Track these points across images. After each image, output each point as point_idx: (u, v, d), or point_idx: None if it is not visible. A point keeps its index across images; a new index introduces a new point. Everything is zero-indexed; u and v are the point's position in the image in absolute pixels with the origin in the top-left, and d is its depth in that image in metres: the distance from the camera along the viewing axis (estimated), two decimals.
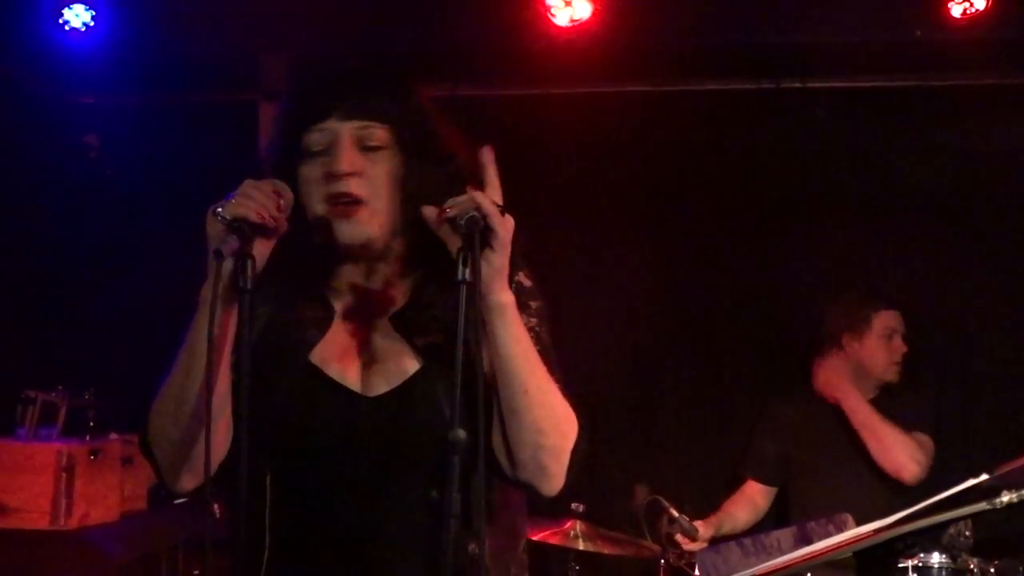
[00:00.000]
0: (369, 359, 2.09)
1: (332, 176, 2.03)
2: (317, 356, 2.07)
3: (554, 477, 2.07)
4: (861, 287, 5.00)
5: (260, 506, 2.03)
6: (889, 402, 4.75)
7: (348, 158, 2.03)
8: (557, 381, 2.09)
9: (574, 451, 2.10)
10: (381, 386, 2.06)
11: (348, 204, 2.03)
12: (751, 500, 4.91)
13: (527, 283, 2.18)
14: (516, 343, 2.00)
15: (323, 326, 2.10)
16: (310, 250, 2.06)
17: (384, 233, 2.08)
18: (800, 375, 4.98)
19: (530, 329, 2.09)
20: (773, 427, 4.96)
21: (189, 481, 2.02)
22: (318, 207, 2.05)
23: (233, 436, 1.98)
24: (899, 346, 4.81)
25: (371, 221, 2.05)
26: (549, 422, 2.04)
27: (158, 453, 2.02)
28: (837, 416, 4.83)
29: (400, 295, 2.14)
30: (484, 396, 1.86)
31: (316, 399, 2.04)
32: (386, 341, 2.10)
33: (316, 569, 2.03)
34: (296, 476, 2.04)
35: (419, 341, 2.09)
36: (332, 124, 2.05)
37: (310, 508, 2.03)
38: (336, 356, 2.08)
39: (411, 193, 2.06)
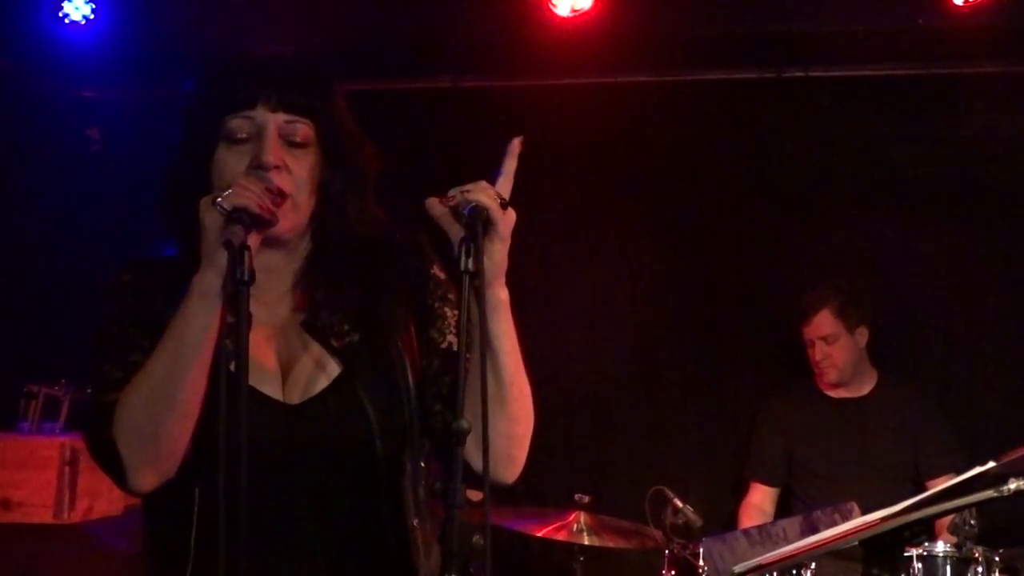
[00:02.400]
0: (287, 365, 2.05)
1: (259, 167, 1.98)
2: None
3: (518, 465, 2.09)
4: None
5: (187, 519, 1.97)
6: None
7: (276, 151, 2.00)
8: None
9: (531, 439, 2.11)
10: (302, 393, 2.03)
11: (273, 197, 1.97)
12: (759, 508, 4.91)
13: (442, 276, 2.16)
14: (509, 339, 2.00)
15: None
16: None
17: (298, 231, 2.06)
18: (801, 369, 4.98)
19: (457, 321, 2.08)
20: (775, 425, 4.95)
21: (151, 480, 1.96)
22: None
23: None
24: (814, 354, 4.85)
25: (290, 216, 2.01)
26: (523, 412, 2.06)
27: (125, 450, 1.93)
28: (838, 411, 4.83)
29: (307, 298, 2.10)
30: (483, 385, 1.84)
31: (231, 408, 1.94)
32: (302, 348, 2.06)
33: None
34: (223, 490, 1.93)
35: (335, 343, 2.06)
36: (259, 114, 2.01)
37: (236, 519, 1.93)
38: (256, 365, 1.98)
39: (325, 194, 2.05)
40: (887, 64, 5.17)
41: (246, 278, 1.84)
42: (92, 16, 5.03)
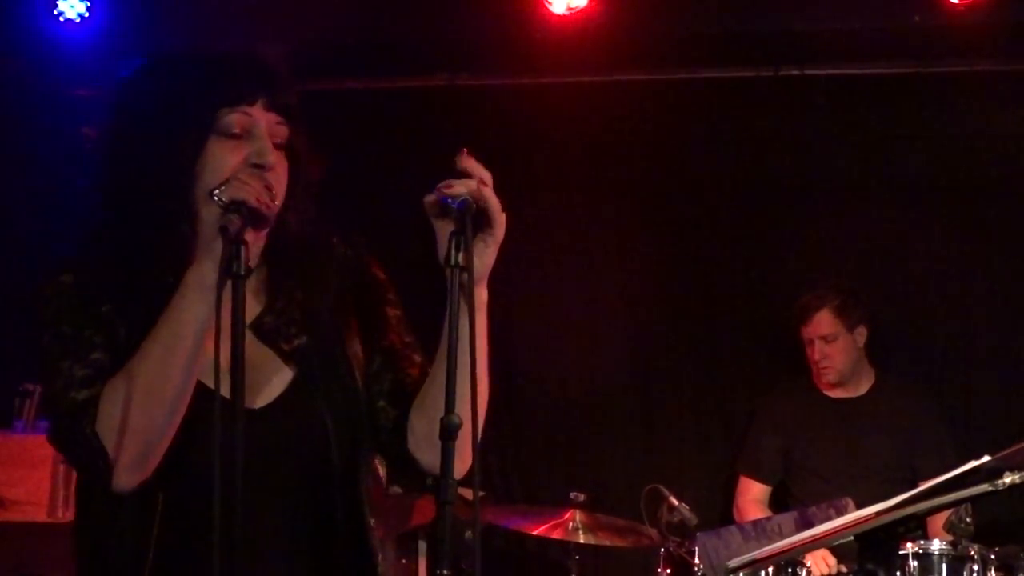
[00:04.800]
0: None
1: (261, 166, 1.96)
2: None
3: (467, 462, 2.00)
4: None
5: (148, 525, 1.94)
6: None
7: (272, 151, 1.99)
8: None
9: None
10: (259, 398, 2.01)
11: (271, 194, 1.94)
12: (754, 505, 4.90)
13: (381, 275, 2.17)
14: (482, 340, 1.97)
15: None
16: (173, 250, 1.97)
17: (270, 231, 2.03)
18: (799, 368, 4.97)
19: (397, 320, 2.11)
20: (772, 423, 4.95)
21: (136, 478, 1.91)
22: None
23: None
24: (812, 354, 4.84)
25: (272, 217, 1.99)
26: (480, 410, 1.98)
27: (112, 447, 1.88)
28: (836, 410, 4.83)
29: (256, 301, 2.06)
30: (473, 383, 1.83)
31: (196, 413, 1.93)
32: (255, 350, 2.00)
33: None
34: (183, 493, 1.95)
35: (285, 347, 2.04)
36: (254, 111, 2.00)
37: (195, 524, 1.92)
38: (209, 368, 1.87)
39: (287, 197, 2.02)
40: (883, 62, 5.17)
41: (242, 272, 1.83)
42: (87, 14, 5.03)
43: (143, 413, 1.88)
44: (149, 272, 1.98)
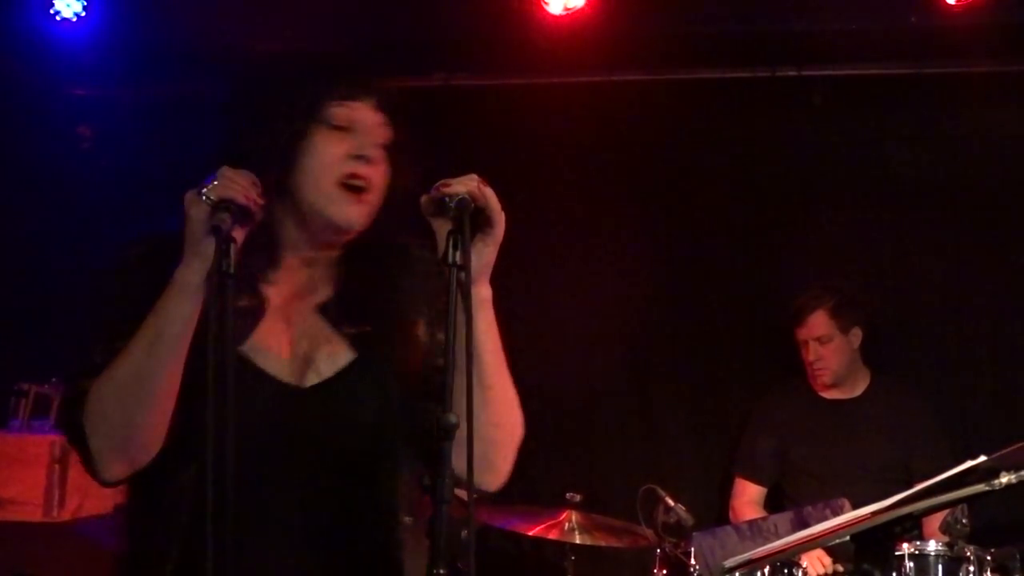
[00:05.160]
0: (302, 350, 2.07)
1: (359, 158, 2.05)
2: (248, 346, 2.03)
3: (499, 473, 2.08)
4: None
5: (176, 505, 1.97)
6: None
7: (376, 147, 2.07)
8: (511, 378, 2.11)
9: (520, 448, 2.11)
10: (313, 377, 2.05)
11: (363, 190, 2.05)
12: (750, 506, 4.90)
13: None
14: (489, 338, 2.02)
15: (255, 316, 2.06)
16: (259, 235, 2.02)
17: (365, 226, 2.10)
18: (794, 370, 4.97)
19: (444, 316, 2.09)
20: (768, 425, 4.94)
21: (120, 470, 1.97)
22: (328, 179, 2.05)
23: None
24: (807, 355, 4.84)
25: (368, 212, 2.07)
26: (504, 417, 2.06)
27: (93, 438, 1.94)
28: (831, 412, 4.83)
29: (328, 287, 2.13)
30: (468, 383, 1.85)
31: (245, 389, 1.95)
32: (317, 333, 2.08)
33: (243, 561, 1.92)
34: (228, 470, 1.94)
35: (348, 330, 2.09)
36: (362, 108, 2.09)
37: (240, 500, 1.91)
38: (268, 346, 2.04)
39: (381, 199, 2.10)
40: (880, 63, 5.17)
41: (232, 270, 1.84)
42: (84, 13, 5.03)
43: (120, 407, 1.93)
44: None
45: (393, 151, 2.11)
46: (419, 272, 2.15)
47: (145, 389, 1.92)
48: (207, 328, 1.88)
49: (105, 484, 2.00)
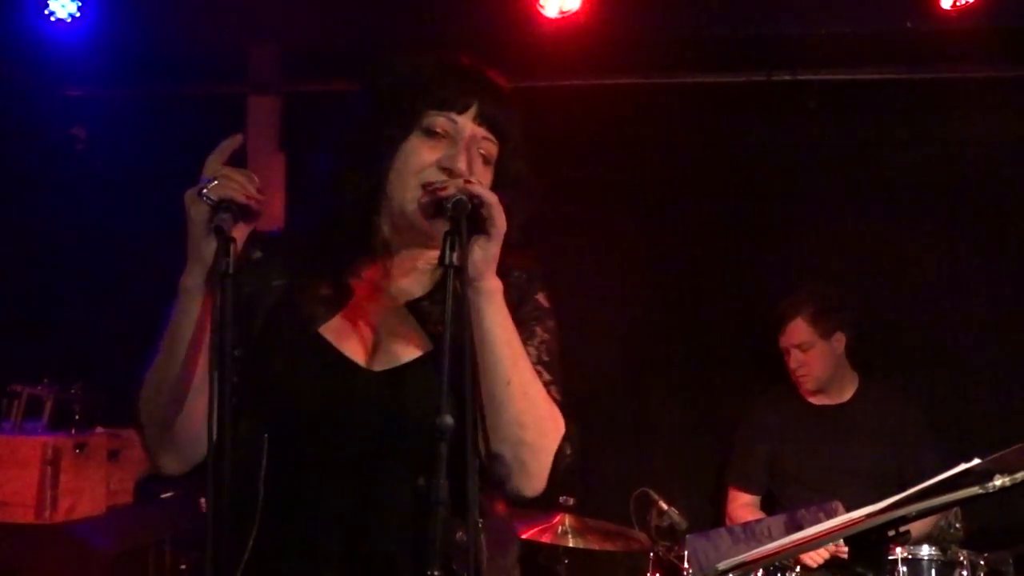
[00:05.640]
0: (379, 339, 2.10)
1: (448, 170, 2.04)
2: (327, 330, 2.08)
3: (534, 476, 2.05)
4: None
5: (255, 471, 2.01)
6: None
7: (470, 163, 2.06)
8: (558, 391, 2.13)
9: (558, 454, 2.09)
10: (384, 364, 2.07)
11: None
12: (748, 508, 4.90)
13: (545, 304, 2.22)
14: (502, 330, 1.99)
15: (338, 304, 2.11)
16: (347, 233, 2.10)
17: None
18: (785, 376, 4.96)
19: (541, 341, 2.14)
20: (758, 432, 4.93)
21: (172, 464, 2.05)
22: (414, 185, 2.06)
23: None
24: (789, 362, 4.85)
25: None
26: (530, 417, 2.03)
27: (146, 434, 2.03)
28: (820, 418, 4.82)
29: (420, 287, 2.16)
30: (472, 385, 1.86)
31: (318, 368, 2.04)
32: (399, 325, 2.11)
33: (304, 539, 2.00)
34: (293, 444, 2.02)
35: (430, 328, 2.10)
36: (463, 119, 2.09)
37: (304, 477, 2.01)
38: (346, 333, 2.08)
39: None
40: (874, 67, 5.18)
41: (231, 270, 1.84)
42: (78, 14, 5.02)
43: (155, 405, 2.00)
44: (328, 246, 2.12)
45: (500, 165, 2.12)
46: (511, 298, 2.08)
47: (170, 387, 1.97)
48: (280, 310, 2.01)
49: (167, 478, 2.07)
